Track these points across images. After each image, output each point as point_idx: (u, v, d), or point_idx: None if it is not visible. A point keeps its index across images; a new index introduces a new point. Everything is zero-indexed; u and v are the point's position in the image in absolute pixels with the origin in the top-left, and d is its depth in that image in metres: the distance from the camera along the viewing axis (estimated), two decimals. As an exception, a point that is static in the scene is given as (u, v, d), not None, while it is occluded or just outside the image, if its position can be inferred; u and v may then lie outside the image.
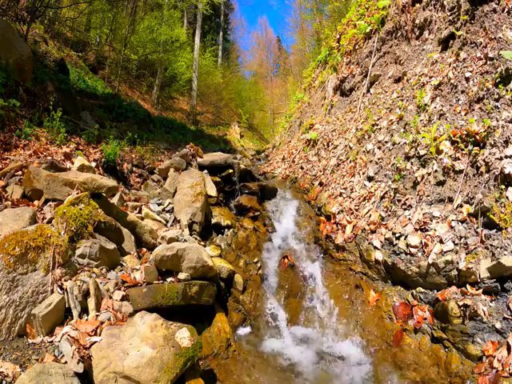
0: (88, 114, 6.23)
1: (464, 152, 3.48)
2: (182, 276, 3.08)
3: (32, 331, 2.32)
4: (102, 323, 2.46)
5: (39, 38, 9.01)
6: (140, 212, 4.09)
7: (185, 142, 9.09)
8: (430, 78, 4.52)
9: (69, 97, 5.79)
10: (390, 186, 4.22)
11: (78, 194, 3.13)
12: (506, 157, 3.06)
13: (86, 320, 2.47)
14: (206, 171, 5.36)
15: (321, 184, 5.74)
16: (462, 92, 3.84)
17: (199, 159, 5.84)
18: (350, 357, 3.22)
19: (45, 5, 6.92)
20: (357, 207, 4.54)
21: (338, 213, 4.75)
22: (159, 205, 4.48)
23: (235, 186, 5.60)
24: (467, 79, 3.82)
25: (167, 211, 4.45)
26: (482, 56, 3.77)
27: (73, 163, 4.02)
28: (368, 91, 6.20)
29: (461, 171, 3.43)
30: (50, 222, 2.92)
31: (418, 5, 5.40)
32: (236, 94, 24.94)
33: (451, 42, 4.50)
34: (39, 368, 1.94)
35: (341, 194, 4.99)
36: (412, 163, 4.02)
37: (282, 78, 32.73)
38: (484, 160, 3.22)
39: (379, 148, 4.78)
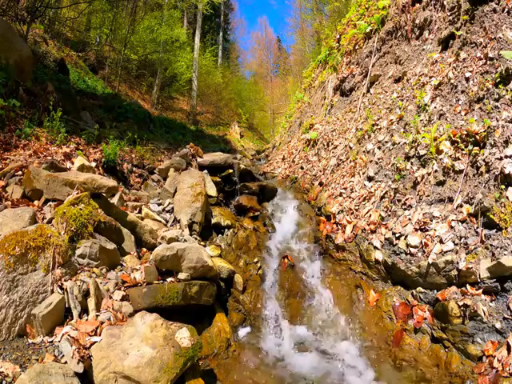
0: (88, 114, 6.23)
1: (464, 152, 3.48)
2: (181, 276, 3.08)
3: (32, 331, 2.32)
4: (102, 323, 2.46)
5: (39, 38, 9.01)
6: (140, 212, 4.09)
7: (185, 141, 9.09)
8: (430, 78, 4.52)
9: (69, 97, 5.79)
10: (390, 185, 4.22)
11: (78, 194, 3.13)
12: (506, 157, 3.06)
13: (86, 320, 2.47)
14: (205, 171, 5.36)
15: (321, 184, 5.74)
16: (462, 92, 3.84)
17: (199, 159, 5.84)
18: (350, 357, 3.22)
19: (45, 5, 6.92)
20: (357, 207, 4.54)
21: (338, 213, 4.75)
22: (159, 205, 4.48)
23: (235, 186, 5.60)
24: (467, 79, 3.82)
25: (167, 211, 4.44)
26: (482, 56, 3.77)
27: (73, 163, 4.02)
28: (368, 91, 6.20)
29: (461, 171, 3.43)
30: (50, 221, 2.92)
31: (418, 5, 5.41)
32: (236, 94, 24.94)
33: (451, 42, 4.50)
34: (39, 368, 1.93)
35: (341, 194, 4.99)
36: (412, 163, 4.02)
37: (282, 78, 32.75)
38: (484, 160, 3.22)
39: (379, 148, 4.78)
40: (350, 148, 5.59)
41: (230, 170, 5.63)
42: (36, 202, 3.19)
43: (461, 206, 3.30)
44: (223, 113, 23.16)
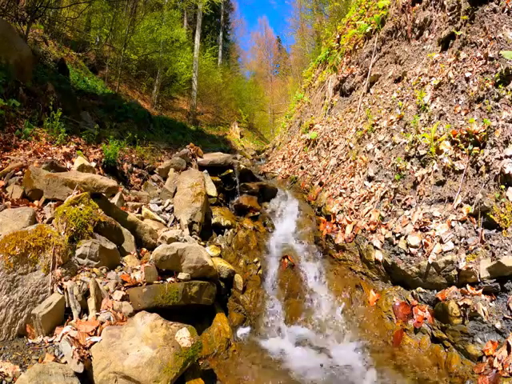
0: (88, 114, 6.23)
1: (464, 152, 3.48)
2: (182, 276, 3.08)
3: (32, 331, 2.32)
4: (102, 323, 2.46)
5: (39, 38, 9.01)
6: (140, 212, 4.09)
7: (185, 141, 9.09)
8: (430, 78, 4.52)
9: (69, 97, 5.79)
10: (390, 185, 4.22)
11: (78, 194, 3.13)
12: (506, 157, 3.06)
13: (86, 320, 2.47)
14: (205, 171, 5.36)
15: (321, 184, 5.74)
16: (462, 92, 3.84)
17: (199, 159, 5.84)
18: (350, 357, 3.22)
19: (45, 5, 6.91)
20: (357, 207, 4.54)
21: (338, 213, 4.75)
22: (159, 205, 4.48)
23: (235, 186, 5.60)
24: (467, 79, 3.82)
25: (167, 211, 4.44)
26: (482, 56, 3.77)
27: (73, 163, 4.02)
28: (368, 91, 6.20)
29: (461, 171, 3.43)
30: (49, 221, 2.92)
31: (418, 5, 5.41)
32: (236, 94, 24.94)
33: (451, 42, 4.50)
34: (39, 368, 1.93)
35: (341, 194, 4.99)
36: (412, 163, 4.02)
37: (282, 78, 32.76)
38: (484, 160, 3.22)
39: (379, 148, 4.78)
40: (350, 148, 5.59)
41: (230, 170, 5.63)
42: (36, 202, 3.19)
43: (461, 206, 3.30)
44: (223, 113, 23.16)
